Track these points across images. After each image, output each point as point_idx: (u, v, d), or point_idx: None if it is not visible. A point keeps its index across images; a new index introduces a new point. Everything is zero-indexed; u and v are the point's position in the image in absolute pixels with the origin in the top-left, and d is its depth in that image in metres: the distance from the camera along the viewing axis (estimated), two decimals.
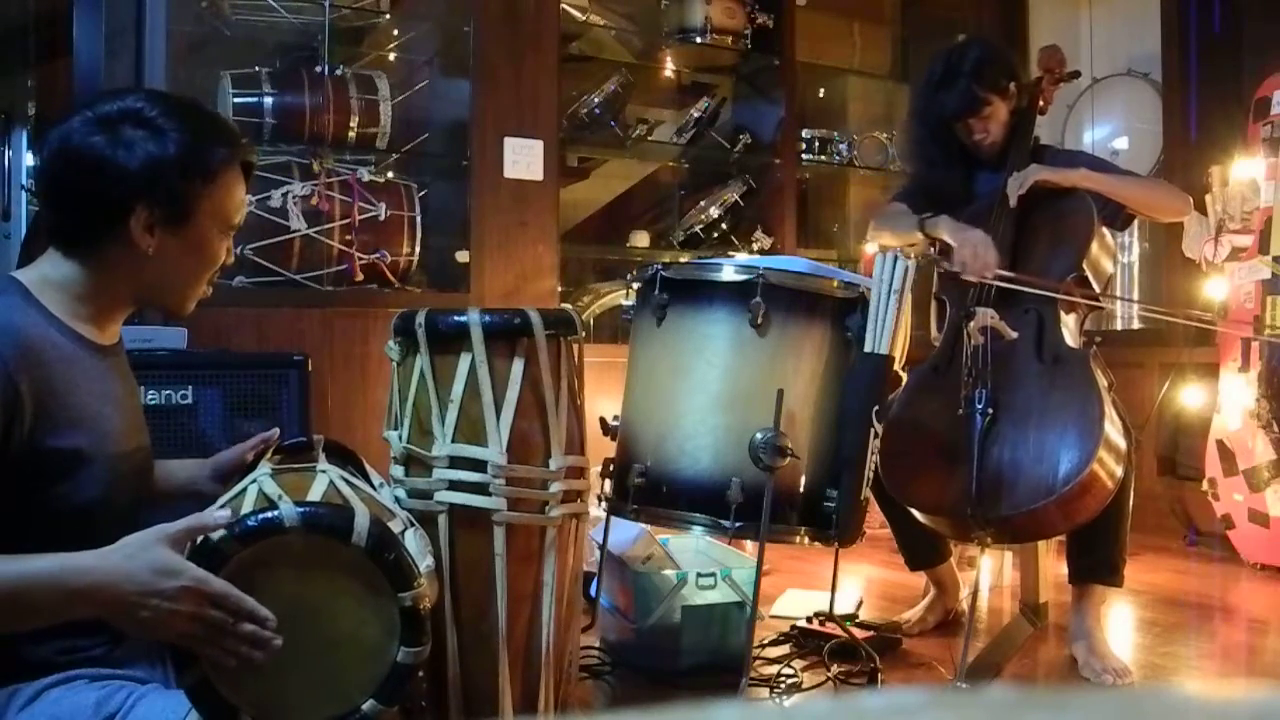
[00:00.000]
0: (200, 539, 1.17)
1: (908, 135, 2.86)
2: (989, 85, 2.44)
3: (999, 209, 2.38)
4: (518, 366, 1.63)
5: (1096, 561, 2.27)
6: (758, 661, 2.26)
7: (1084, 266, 2.30)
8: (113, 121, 1.29)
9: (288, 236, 3.16)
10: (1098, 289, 2.36)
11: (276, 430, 1.60)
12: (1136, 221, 4.12)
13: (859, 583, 3.03)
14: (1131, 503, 2.24)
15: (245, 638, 1.14)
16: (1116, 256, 2.45)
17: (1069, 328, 2.29)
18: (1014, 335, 2.19)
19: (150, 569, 1.12)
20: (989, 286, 2.27)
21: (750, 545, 2.52)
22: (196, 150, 1.32)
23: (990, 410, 2.13)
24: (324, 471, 1.34)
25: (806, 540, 2.02)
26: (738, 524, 1.92)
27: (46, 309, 1.30)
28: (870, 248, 3.62)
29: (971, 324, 2.18)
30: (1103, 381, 2.18)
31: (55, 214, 1.34)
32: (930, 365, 2.39)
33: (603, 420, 2.15)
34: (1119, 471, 2.13)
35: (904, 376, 2.27)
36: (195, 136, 1.32)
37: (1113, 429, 2.11)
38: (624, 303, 2.98)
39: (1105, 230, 2.37)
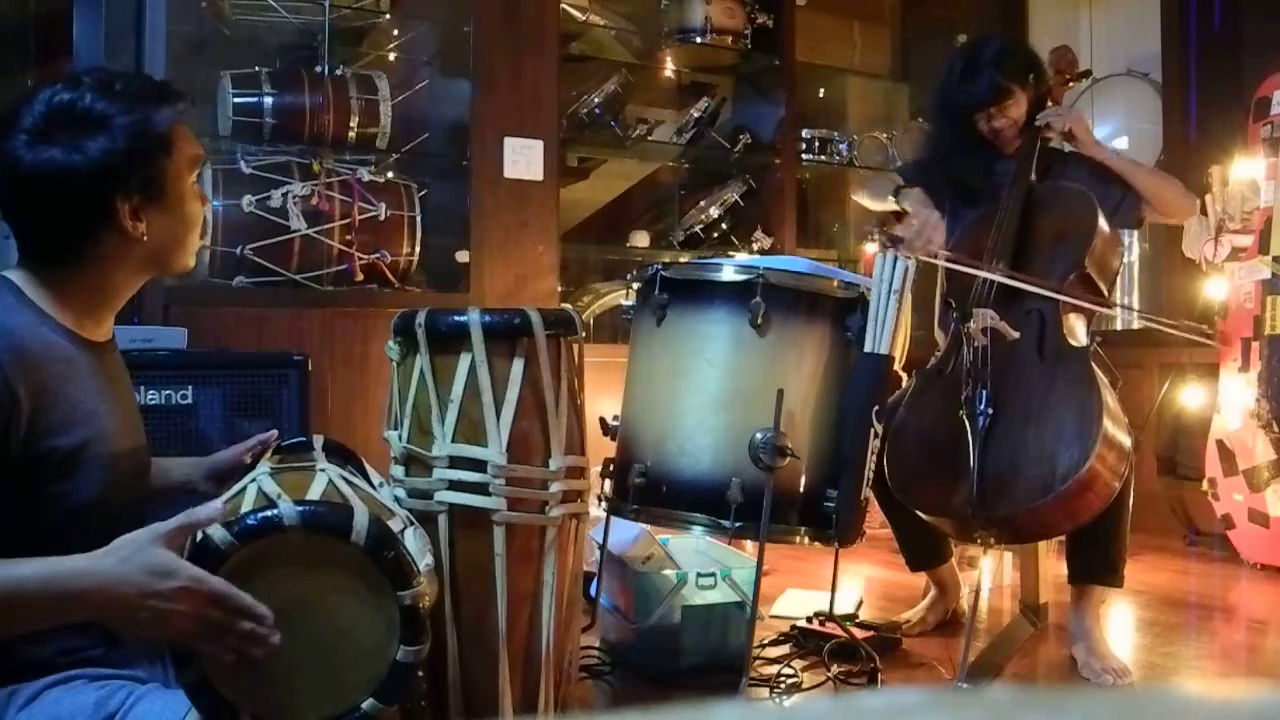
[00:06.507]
0: (199, 537, 1.16)
1: (926, 131, 2.92)
2: (1011, 75, 2.48)
3: (1012, 188, 2.40)
4: (518, 366, 1.62)
5: (1096, 561, 2.26)
6: (758, 661, 2.26)
7: (1087, 265, 2.29)
8: (48, 128, 1.25)
9: (288, 236, 3.16)
10: (1104, 287, 2.35)
11: (275, 432, 1.59)
12: None
13: (859, 583, 3.03)
14: (1131, 502, 2.23)
15: (244, 636, 1.13)
16: (1123, 256, 2.45)
17: (1072, 327, 2.27)
18: (1015, 335, 2.18)
19: (146, 570, 1.10)
20: (989, 288, 2.27)
21: (750, 545, 2.52)
22: (144, 125, 1.29)
23: (991, 410, 2.12)
24: (323, 470, 1.34)
25: (806, 540, 2.02)
26: (738, 524, 1.92)
27: (40, 308, 1.29)
28: (870, 247, 3.63)
29: (971, 325, 2.18)
30: (1104, 379, 2.18)
31: (36, 234, 1.31)
32: (935, 368, 2.39)
33: (603, 420, 2.15)
34: (1122, 469, 2.12)
35: (904, 377, 2.28)
36: (135, 109, 1.29)
37: (1113, 426, 2.09)
38: (624, 303, 2.98)
39: (1109, 229, 2.37)
